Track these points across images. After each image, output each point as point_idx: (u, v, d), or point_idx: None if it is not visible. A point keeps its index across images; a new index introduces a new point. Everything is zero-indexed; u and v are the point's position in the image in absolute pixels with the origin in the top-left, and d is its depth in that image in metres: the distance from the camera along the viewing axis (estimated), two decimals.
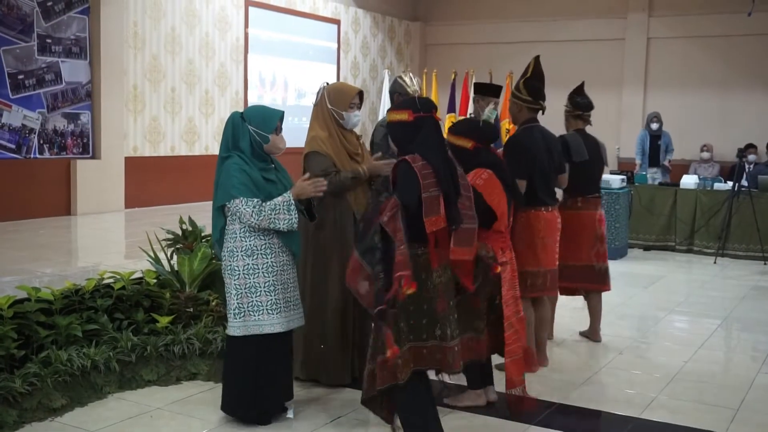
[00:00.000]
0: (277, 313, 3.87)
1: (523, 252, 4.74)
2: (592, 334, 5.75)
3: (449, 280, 3.65)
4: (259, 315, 3.85)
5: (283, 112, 4.02)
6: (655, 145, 11.35)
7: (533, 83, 4.88)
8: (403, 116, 3.60)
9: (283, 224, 3.79)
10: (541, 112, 4.91)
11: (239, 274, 3.85)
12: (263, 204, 3.77)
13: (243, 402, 3.96)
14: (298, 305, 4.03)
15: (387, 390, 3.50)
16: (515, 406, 4.26)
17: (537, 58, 4.96)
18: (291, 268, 3.98)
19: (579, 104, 5.58)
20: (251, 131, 3.87)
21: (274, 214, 3.77)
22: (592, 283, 5.60)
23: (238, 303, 3.87)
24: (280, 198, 3.81)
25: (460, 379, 4.33)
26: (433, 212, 3.45)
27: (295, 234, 3.94)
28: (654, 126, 11.45)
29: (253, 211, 3.75)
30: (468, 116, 5.89)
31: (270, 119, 3.91)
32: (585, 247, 5.49)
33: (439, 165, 3.51)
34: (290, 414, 4.09)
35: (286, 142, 4.00)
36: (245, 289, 3.85)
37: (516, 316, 4.20)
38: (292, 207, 3.80)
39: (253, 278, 3.84)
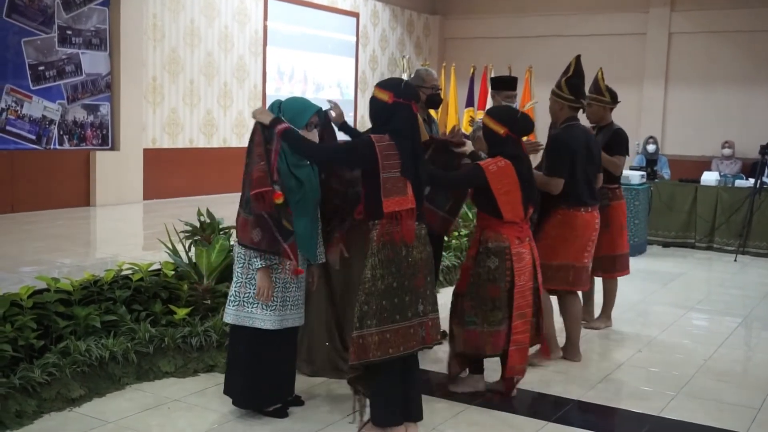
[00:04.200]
0: (270, 310, 3.80)
1: (552, 246, 4.77)
2: (607, 320, 5.95)
3: (429, 256, 3.72)
4: (252, 308, 3.81)
5: (319, 108, 3.88)
6: (651, 171, 10.29)
7: (575, 82, 4.88)
8: (384, 97, 3.67)
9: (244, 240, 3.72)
10: (582, 110, 4.92)
11: (244, 262, 3.82)
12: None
13: (236, 390, 3.95)
14: (297, 305, 3.90)
15: (364, 368, 3.63)
16: (499, 393, 4.35)
17: (578, 58, 4.96)
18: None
19: (615, 96, 5.73)
20: None
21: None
22: (626, 270, 5.89)
23: (236, 291, 3.85)
24: (259, 262, 3.70)
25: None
26: (398, 193, 3.54)
27: (313, 239, 3.87)
28: (651, 148, 10.82)
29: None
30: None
31: (303, 113, 3.80)
32: (625, 235, 5.86)
33: (405, 152, 3.59)
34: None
35: (318, 139, 3.88)
36: (246, 278, 3.82)
37: (529, 307, 4.23)
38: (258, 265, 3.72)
39: (255, 270, 3.78)
